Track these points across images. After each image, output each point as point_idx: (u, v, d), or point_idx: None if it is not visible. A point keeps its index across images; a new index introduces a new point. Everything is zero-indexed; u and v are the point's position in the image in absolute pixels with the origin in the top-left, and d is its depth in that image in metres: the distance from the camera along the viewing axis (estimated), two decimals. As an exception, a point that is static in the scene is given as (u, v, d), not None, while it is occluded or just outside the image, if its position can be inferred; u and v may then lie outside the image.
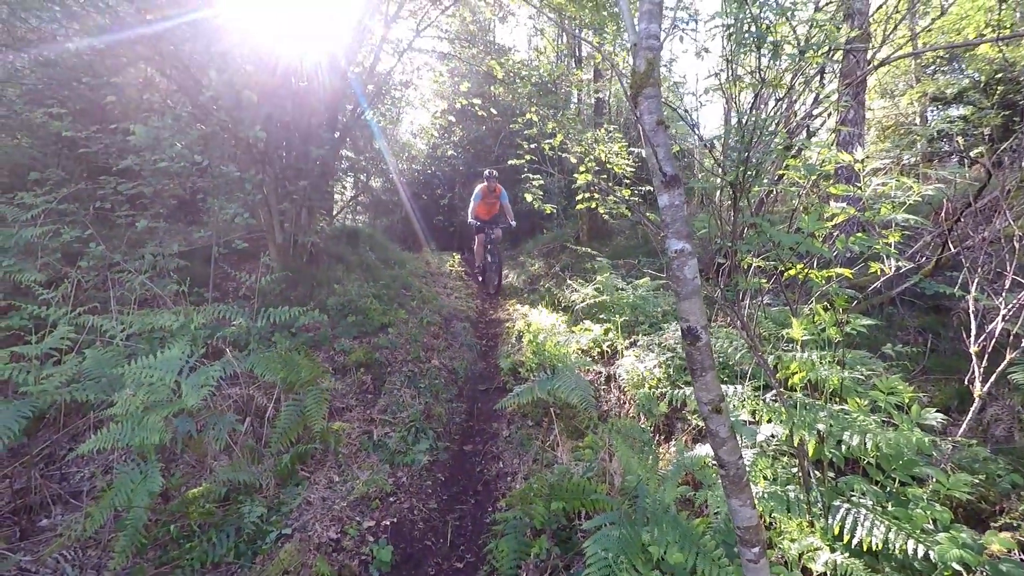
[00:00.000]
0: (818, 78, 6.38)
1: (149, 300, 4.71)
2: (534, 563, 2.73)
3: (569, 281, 7.22)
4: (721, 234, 2.94)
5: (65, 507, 3.24)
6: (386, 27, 7.15)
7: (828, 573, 2.27)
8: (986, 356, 2.93)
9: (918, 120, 11.23)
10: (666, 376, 4.24)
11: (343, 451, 3.85)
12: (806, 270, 2.82)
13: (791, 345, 3.14)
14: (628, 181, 7.39)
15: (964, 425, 2.88)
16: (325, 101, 6.28)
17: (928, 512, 2.30)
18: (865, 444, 2.41)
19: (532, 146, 7.25)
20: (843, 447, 2.60)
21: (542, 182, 7.81)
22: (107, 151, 4.59)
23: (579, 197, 6.19)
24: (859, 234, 2.79)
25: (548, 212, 7.50)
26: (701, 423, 3.64)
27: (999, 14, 6.92)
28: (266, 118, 4.93)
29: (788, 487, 2.66)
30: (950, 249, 4.64)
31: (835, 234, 2.81)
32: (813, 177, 3.03)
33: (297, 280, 6.03)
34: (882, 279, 3.15)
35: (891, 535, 2.18)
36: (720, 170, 2.89)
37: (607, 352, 5.16)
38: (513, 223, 8.91)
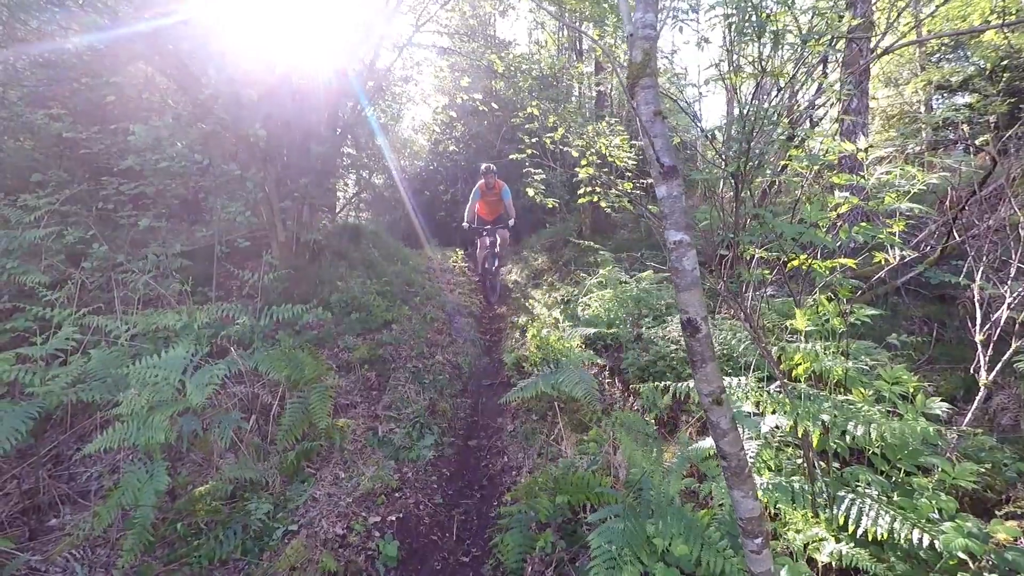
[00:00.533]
0: (821, 67, 6.34)
1: (153, 300, 4.73)
2: (539, 556, 2.73)
3: (572, 275, 7.21)
4: (724, 225, 2.93)
5: (73, 507, 3.26)
6: (386, 22, 7.13)
7: (833, 563, 2.27)
8: (991, 344, 2.91)
9: (923, 109, 11.14)
10: (670, 368, 4.23)
11: (348, 448, 3.86)
12: (809, 261, 2.80)
13: (795, 336, 3.13)
14: (630, 174, 7.34)
15: (969, 414, 2.86)
16: (325, 98, 6.27)
17: (933, 501, 2.29)
18: (870, 434, 2.39)
19: (533, 140, 7.22)
20: (848, 438, 2.59)
21: (543, 176, 7.78)
22: (108, 151, 4.60)
23: (581, 191, 6.16)
24: (863, 223, 2.77)
25: (550, 206, 7.48)
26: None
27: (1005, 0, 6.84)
28: (266, 116, 4.93)
29: (793, 478, 2.65)
30: (955, 238, 4.62)
31: (839, 224, 2.78)
32: (815, 167, 3.02)
33: (300, 278, 6.04)
34: (886, 269, 3.14)
35: (896, 525, 2.17)
36: (721, 161, 2.88)
37: (611, 346, 5.15)
38: (512, 222, 8.16)
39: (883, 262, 3.06)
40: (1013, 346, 2.84)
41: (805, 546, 2.36)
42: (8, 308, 4.05)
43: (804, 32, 2.79)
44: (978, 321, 2.95)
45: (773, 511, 2.64)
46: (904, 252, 3.06)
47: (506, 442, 4.13)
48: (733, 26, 2.64)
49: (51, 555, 2.87)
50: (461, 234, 8.29)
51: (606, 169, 6.80)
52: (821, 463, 2.68)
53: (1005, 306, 2.98)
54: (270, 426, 3.84)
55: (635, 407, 4.08)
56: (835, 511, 2.40)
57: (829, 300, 2.94)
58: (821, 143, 3.36)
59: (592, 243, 7.63)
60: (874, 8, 5.74)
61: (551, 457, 3.64)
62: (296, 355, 4.07)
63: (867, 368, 3.06)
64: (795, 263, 2.86)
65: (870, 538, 2.24)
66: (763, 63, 2.49)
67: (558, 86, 8.41)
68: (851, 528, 2.28)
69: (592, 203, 7.13)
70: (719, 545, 2.32)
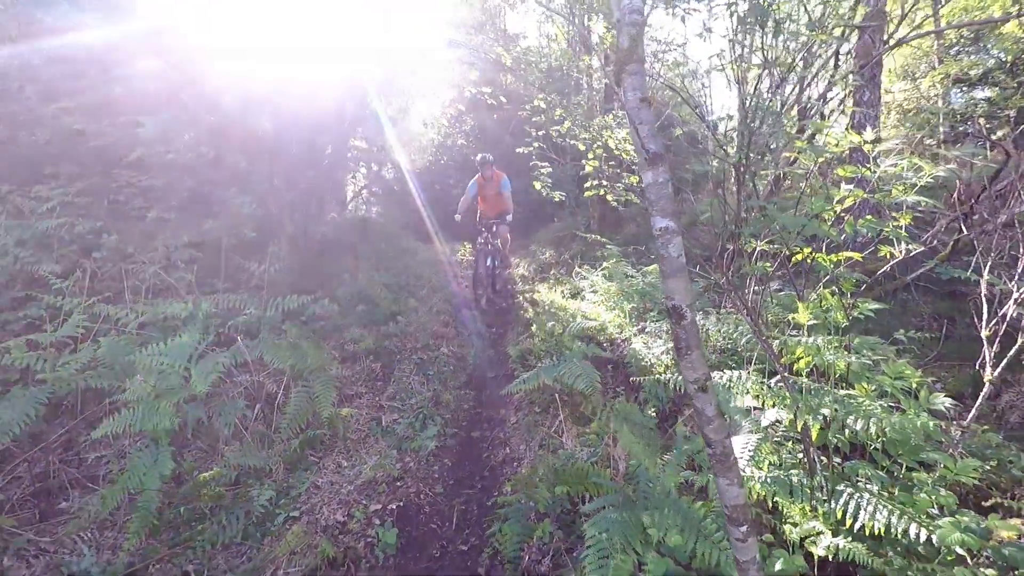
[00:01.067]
0: (832, 59, 6.25)
1: (162, 290, 4.79)
2: (537, 546, 2.75)
3: (578, 269, 7.20)
4: (726, 217, 2.91)
5: (83, 490, 3.33)
6: (393, 14, 7.14)
7: (830, 557, 2.26)
8: (998, 341, 2.87)
9: (940, 103, 10.94)
10: (674, 363, 4.21)
11: (351, 437, 3.90)
12: (813, 254, 2.78)
13: (797, 330, 3.10)
14: (636, 167, 7.30)
15: (974, 410, 2.83)
16: (332, 92, 6.30)
17: (933, 497, 2.27)
18: (870, 429, 2.38)
19: (540, 133, 7.19)
20: (848, 432, 2.57)
21: (550, 170, 7.75)
22: (117, 144, 4.67)
23: (587, 184, 6.14)
24: (868, 217, 2.74)
25: (557, 200, 7.46)
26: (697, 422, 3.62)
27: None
28: (274, 109, 4.97)
29: (792, 472, 2.64)
30: (966, 233, 4.55)
31: (844, 217, 2.75)
32: (820, 159, 2.99)
33: (307, 270, 6.09)
34: (892, 262, 3.10)
35: (894, 519, 2.15)
36: (724, 152, 2.86)
37: (616, 339, 5.15)
38: (509, 217, 7.34)
39: (888, 256, 3.02)
40: (1020, 342, 2.80)
41: (802, 539, 2.35)
42: (21, 297, 4.13)
43: (812, 21, 2.76)
44: (984, 316, 2.91)
45: (771, 504, 2.63)
46: (910, 246, 3.03)
47: (509, 433, 4.14)
48: (735, 15, 2.62)
49: (60, 536, 2.93)
50: (469, 228, 7.49)
51: (612, 163, 6.77)
52: (821, 457, 2.67)
53: (1012, 301, 2.93)
54: (274, 415, 3.89)
55: (638, 400, 4.08)
56: (833, 505, 2.38)
57: (833, 294, 2.91)
58: (826, 134, 3.32)
59: (599, 237, 7.61)
60: (888, -1, 5.63)
61: (552, 449, 3.65)
62: (300, 345, 4.11)
63: (870, 363, 3.03)
64: (799, 257, 2.84)
65: (868, 533, 2.22)
66: (766, 52, 2.47)
67: (565, 79, 8.34)
68: (849, 522, 2.26)
69: (600, 197, 7.11)
70: (715, 537, 2.31)
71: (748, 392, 3.10)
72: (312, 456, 3.69)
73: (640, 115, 1.26)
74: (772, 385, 3.07)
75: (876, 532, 2.19)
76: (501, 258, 7.65)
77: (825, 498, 2.47)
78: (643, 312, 5.35)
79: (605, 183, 5.88)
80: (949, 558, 2.08)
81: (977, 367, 2.97)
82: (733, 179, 2.82)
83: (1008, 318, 2.87)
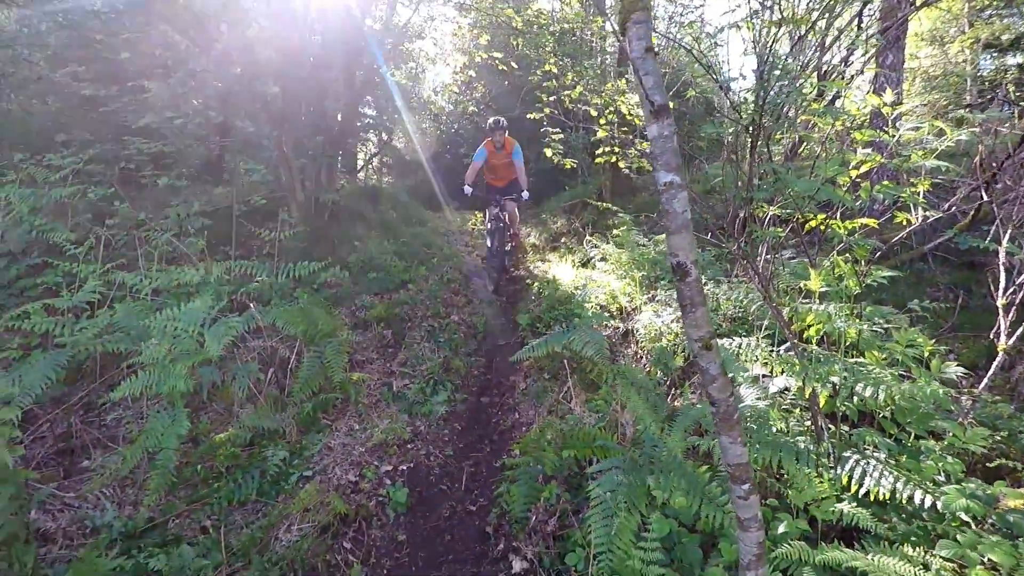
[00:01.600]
0: (856, 20, 6.04)
1: (175, 258, 4.84)
2: (544, 507, 2.80)
3: (589, 238, 7.15)
4: (738, 183, 2.86)
5: (104, 450, 3.43)
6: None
7: (834, 522, 2.28)
8: (1014, 310, 2.83)
9: (968, 69, 10.56)
10: (683, 331, 4.21)
11: (363, 401, 3.96)
12: (828, 221, 2.73)
13: (808, 298, 3.07)
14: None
15: (986, 380, 2.80)
16: (341, 57, 6.22)
17: (939, 464, 2.27)
18: (879, 397, 2.37)
19: (552, 98, 7.05)
20: (856, 400, 2.57)
21: (562, 136, 7.61)
22: (126, 109, 4.67)
23: (599, 151, 6.05)
24: (886, 182, 2.68)
25: (568, 167, 7.36)
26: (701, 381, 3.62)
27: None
28: (282, 74, 4.92)
29: (799, 438, 2.65)
30: (988, 201, 4.44)
31: (860, 183, 2.69)
32: (839, 123, 2.91)
33: (318, 238, 6.11)
34: (909, 230, 3.04)
35: (899, 485, 2.16)
36: (737, 114, 2.79)
37: (625, 308, 5.14)
38: (526, 193, 6.53)
39: (905, 223, 2.96)
40: (1035, 310, 2.75)
41: (806, 505, 2.37)
42: (38, 264, 4.20)
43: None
44: (1002, 286, 2.86)
45: (776, 470, 2.64)
46: (928, 212, 2.96)
47: (518, 399, 4.19)
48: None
49: (83, 492, 3.03)
50: (481, 197, 6.84)
51: (625, 128, 6.65)
52: (829, 425, 2.67)
53: (1029, 269, 2.88)
54: (287, 379, 3.96)
55: (647, 368, 4.09)
56: (839, 471, 2.39)
57: (846, 262, 2.87)
58: (845, 95, 3.23)
59: (611, 205, 7.53)
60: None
61: (561, 414, 3.68)
62: (312, 311, 4.16)
63: (882, 331, 3.00)
64: (813, 224, 2.79)
65: (872, 498, 2.24)
66: (781, 9, 2.39)
67: (578, 42, 8.12)
68: (854, 488, 2.28)
69: (611, 164, 7.01)
70: (719, 500, 2.34)
71: (757, 359, 3.10)
72: (324, 419, 3.76)
73: (645, 65, 1.23)
74: (781, 352, 3.06)
75: (881, 498, 2.20)
76: (511, 236, 7.01)
77: (831, 465, 2.48)
78: (653, 281, 5.32)
79: (617, 149, 5.78)
80: (953, 524, 2.09)
81: (992, 337, 2.93)
82: (745, 144, 2.76)
83: (1025, 286, 2.81)
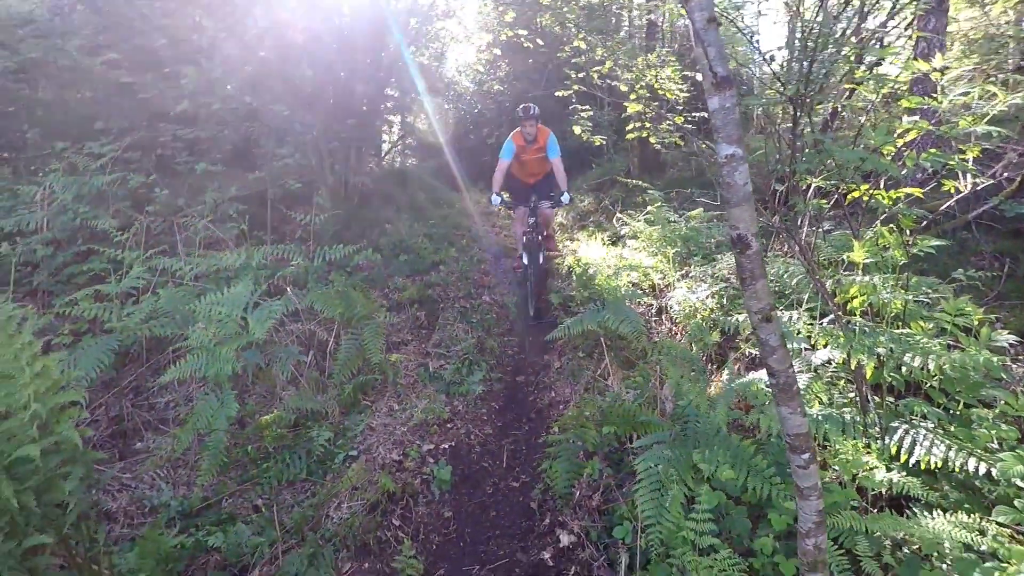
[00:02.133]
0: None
1: (213, 243, 4.93)
2: (587, 482, 2.82)
3: (619, 215, 7.09)
4: (779, 155, 2.80)
5: (155, 432, 3.54)
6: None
7: (883, 492, 2.26)
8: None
9: (1013, 30, 10.10)
10: (719, 306, 4.17)
11: (401, 382, 4.02)
12: (872, 191, 2.67)
13: (852, 270, 3.02)
14: (681, 108, 6.99)
15: (1039, 347, 2.74)
16: (368, 38, 6.21)
17: (993, 432, 2.23)
18: (927, 367, 2.32)
19: (580, 75, 6.93)
20: (904, 370, 2.53)
21: (591, 113, 7.50)
22: (163, 96, 4.73)
23: (629, 127, 5.96)
24: (932, 150, 2.60)
25: (597, 144, 7.27)
26: (754, 351, 3.59)
27: None
28: (311, 57, 4.94)
29: (844, 410, 2.62)
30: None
31: (905, 151, 2.62)
32: (884, 90, 2.83)
33: (350, 220, 6.17)
34: (956, 198, 2.96)
35: (951, 454, 2.13)
36: (780, 84, 2.73)
37: (658, 285, 5.11)
38: (567, 195, 5.49)
39: (952, 190, 2.88)
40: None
41: (855, 475, 2.35)
42: (84, 251, 4.31)
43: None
44: (1054, 251, 2.76)
45: (822, 442, 2.63)
46: (977, 179, 2.87)
47: (553, 378, 4.21)
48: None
49: (139, 473, 3.15)
50: (510, 205, 5.80)
51: (656, 103, 6.55)
52: (875, 397, 2.64)
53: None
54: (327, 361, 4.03)
55: (684, 344, 4.07)
56: (887, 441, 2.37)
57: (891, 232, 2.81)
58: (890, 63, 3.13)
59: (640, 182, 7.44)
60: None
61: (598, 391, 3.70)
62: (349, 294, 4.22)
63: (928, 301, 2.94)
64: (856, 194, 2.73)
65: (923, 468, 2.21)
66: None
67: (605, 16, 7.96)
68: (904, 458, 2.25)
69: (641, 140, 6.91)
70: (766, 472, 2.34)
71: (800, 333, 3.06)
72: (365, 400, 3.83)
73: (708, 36, 1.21)
74: (824, 325, 3.02)
75: (932, 467, 2.18)
76: (545, 248, 5.77)
77: (878, 435, 2.45)
78: (686, 257, 5.27)
79: (648, 124, 5.70)
80: (1008, 491, 2.06)
81: (1044, 305, 2.85)
82: (783, 115, 2.70)
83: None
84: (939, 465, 2.14)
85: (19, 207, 4.22)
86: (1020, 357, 3.01)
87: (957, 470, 2.11)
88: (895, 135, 2.54)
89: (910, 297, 2.74)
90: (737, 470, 2.35)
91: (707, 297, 4.26)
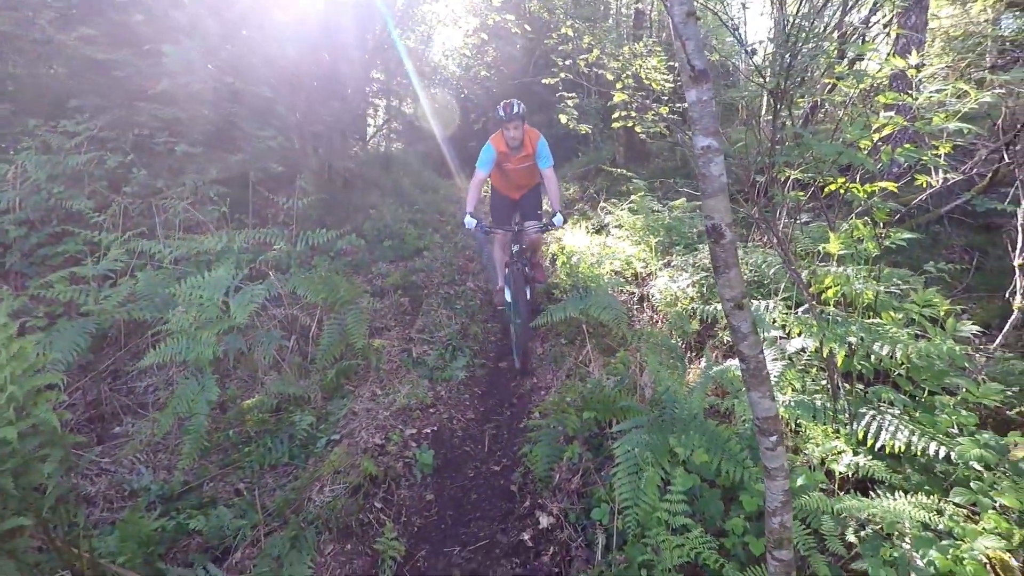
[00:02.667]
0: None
1: (192, 226, 4.87)
2: (567, 465, 2.88)
3: (603, 203, 7.12)
4: (759, 147, 2.85)
5: (134, 416, 3.52)
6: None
7: (850, 475, 2.35)
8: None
9: (990, 29, 10.27)
10: (699, 295, 4.24)
11: (384, 367, 4.04)
12: (848, 184, 2.73)
13: (827, 260, 3.09)
14: (667, 98, 7.02)
15: (1000, 338, 2.84)
16: (353, 18, 6.12)
17: (954, 417, 2.32)
18: (895, 355, 2.41)
19: (567, 63, 6.92)
20: (873, 359, 2.61)
21: (577, 101, 7.49)
22: (140, 74, 4.62)
23: (615, 116, 5.98)
24: (907, 145, 2.67)
25: (583, 132, 7.28)
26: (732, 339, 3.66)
27: None
28: (294, 37, 4.86)
29: (816, 396, 2.71)
30: (1008, 163, 4.40)
31: (881, 146, 2.69)
32: (861, 85, 2.88)
33: (333, 205, 6.12)
34: (928, 192, 3.04)
35: (914, 439, 2.22)
36: (761, 78, 2.77)
37: (641, 273, 5.17)
38: (559, 217, 4.36)
39: (925, 185, 2.96)
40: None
41: (823, 459, 2.44)
42: (58, 232, 4.23)
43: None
44: (1019, 245, 2.86)
45: (794, 427, 2.71)
46: (948, 175, 2.95)
47: (535, 364, 4.25)
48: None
49: (118, 457, 3.13)
50: (487, 231, 4.63)
51: (642, 93, 6.57)
52: (845, 384, 2.72)
53: (1048, 230, 2.87)
54: (309, 346, 4.03)
55: (663, 332, 4.14)
56: (855, 427, 2.45)
57: (865, 224, 2.88)
58: (869, 58, 3.18)
59: (626, 171, 7.47)
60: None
61: (579, 378, 3.75)
62: (332, 279, 4.20)
63: (899, 292, 3.03)
64: (833, 187, 2.80)
65: (888, 452, 2.30)
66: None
67: (593, 3, 7.92)
68: (870, 442, 2.34)
69: (627, 129, 6.93)
70: (739, 456, 2.41)
71: (775, 322, 3.14)
72: (348, 385, 3.84)
73: (686, 30, 1.23)
74: (799, 315, 3.10)
75: (896, 451, 2.27)
76: (534, 270, 4.99)
77: (847, 420, 2.54)
78: (668, 246, 5.34)
79: (633, 114, 5.72)
80: (965, 473, 2.15)
81: (1007, 297, 2.95)
82: (766, 108, 2.74)
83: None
84: (903, 449, 2.23)
85: (-10, 185, 4.12)
86: (983, 347, 3.11)
87: (919, 454, 2.21)
88: (872, 130, 2.61)
89: (881, 288, 2.82)
90: (712, 454, 2.42)
91: (688, 286, 4.33)
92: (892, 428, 2.31)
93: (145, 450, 3.24)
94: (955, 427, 2.32)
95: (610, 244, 5.71)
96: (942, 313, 2.72)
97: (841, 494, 2.33)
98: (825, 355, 2.63)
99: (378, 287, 5.26)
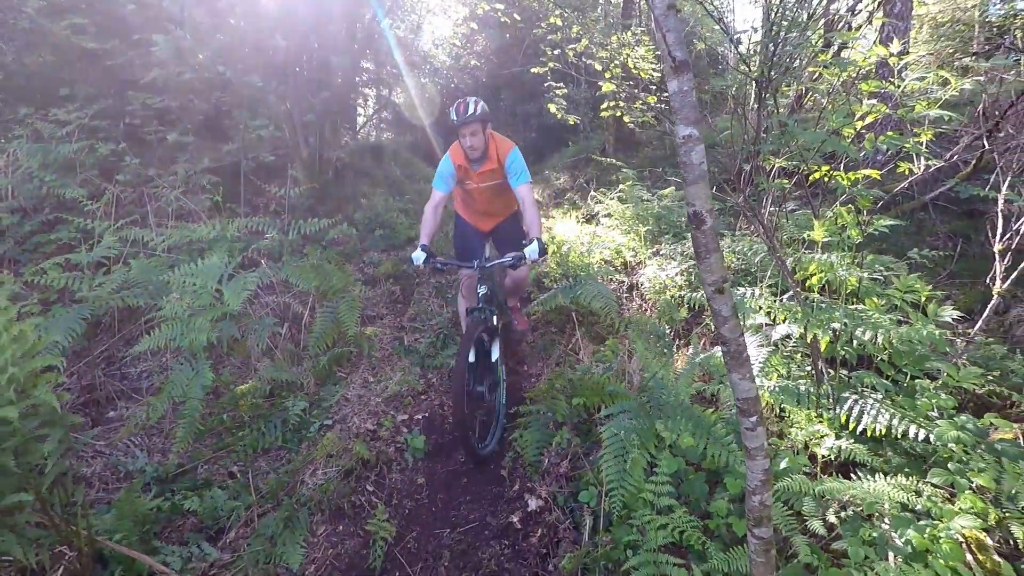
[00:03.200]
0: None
1: (185, 215, 4.88)
2: (556, 450, 2.94)
3: (594, 193, 7.16)
4: (744, 135, 2.90)
5: (128, 401, 3.56)
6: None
7: (832, 458, 2.42)
8: (1010, 255, 2.90)
9: (977, 15, 10.34)
10: (687, 283, 4.30)
11: (376, 355, 4.08)
12: (832, 172, 2.78)
13: (811, 248, 3.15)
14: (655, 87, 7.07)
15: (980, 322, 2.91)
16: (342, 8, 6.10)
17: (934, 401, 2.39)
18: (877, 340, 2.47)
19: (556, 52, 6.93)
20: (856, 344, 2.67)
21: (566, 91, 7.51)
22: (131, 63, 4.62)
23: (604, 105, 6.01)
24: (890, 133, 2.72)
25: (572, 123, 7.30)
26: (714, 322, 3.72)
27: None
28: (284, 26, 4.86)
29: (799, 382, 2.77)
30: (989, 149, 4.47)
31: (864, 134, 2.74)
32: (844, 74, 2.93)
33: (325, 195, 6.13)
34: (911, 179, 3.09)
35: (895, 422, 2.29)
36: (746, 67, 2.81)
37: (630, 262, 5.22)
38: (535, 249, 3.14)
39: (907, 172, 3.01)
40: (1030, 255, 2.83)
41: (807, 443, 2.50)
42: (51, 220, 4.24)
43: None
44: (999, 231, 2.93)
45: (778, 412, 2.78)
46: (930, 161, 3.01)
47: (526, 351, 4.30)
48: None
49: (113, 441, 3.17)
50: (443, 268, 3.68)
51: (631, 82, 6.60)
52: (828, 369, 2.79)
53: (1026, 216, 2.94)
54: (302, 334, 4.07)
55: (652, 319, 4.19)
56: (838, 411, 2.52)
57: (849, 212, 2.93)
58: (852, 46, 3.23)
59: (615, 160, 7.51)
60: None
61: (569, 365, 3.80)
62: (324, 267, 4.24)
63: (881, 279, 3.10)
64: (817, 175, 2.85)
65: (869, 435, 2.37)
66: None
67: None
68: (852, 426, 2.41)
69: (616, 119, 6.96)
70: (724, 440, 2.47)
71: (760, 309, 3.20)
72: (340, 372, 3.89)
73: (668, 22, 1.27)
74: (784, 301, 3.16)
75: (878, 434, 2.34)
76: (518, 324, 4.35)
77: (830, 405, 2.60)
78: (657, 235, 5.39)
79: (622, 104, 5.75)
80: (944, 455, 2.22)
81: (988, 282, 3.02)
82: (753, 97, 2.79)
83: (1022, 233, 2.88)
84: (884, 432, 2.30)
85: (-18, 174, 4.12)
86: (964, 332, 3.19)
87: (900, 437, 2.27)
88: (855, 118, 2.65)
89: (865, 275, 2.88)
90: (697, 438, 2.48)
91: (676, 274, 4.38)
92: (874, 412, 2.38)
93: (140, 433, 3.29)
94: (935, 410, 2.39)
95: (600, 233, 5.76)
96: (924, 299, 2.79)
97: (824, 477, 2.40)
98: (809, 341, 2.70)
99: (370, 276, 5.29)
